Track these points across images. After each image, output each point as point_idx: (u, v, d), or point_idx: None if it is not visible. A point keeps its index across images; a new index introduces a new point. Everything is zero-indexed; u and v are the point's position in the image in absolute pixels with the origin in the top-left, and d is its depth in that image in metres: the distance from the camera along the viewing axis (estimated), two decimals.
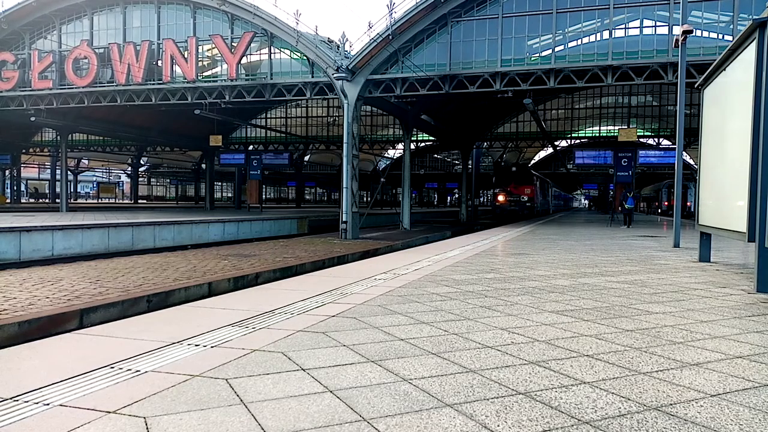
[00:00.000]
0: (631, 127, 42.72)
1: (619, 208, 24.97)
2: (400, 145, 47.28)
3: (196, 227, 20.58)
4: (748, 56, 6.20)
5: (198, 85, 24.48)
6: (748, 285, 6.39)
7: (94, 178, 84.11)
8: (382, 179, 34.38)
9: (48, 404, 2.48)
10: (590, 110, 47.40)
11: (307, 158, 63.27)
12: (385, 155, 63.16)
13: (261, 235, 23.57)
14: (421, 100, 26.72)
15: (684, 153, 21.94)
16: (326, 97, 24.29)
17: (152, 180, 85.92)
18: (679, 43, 12.70)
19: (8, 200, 49.56)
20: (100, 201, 72.67)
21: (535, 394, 2.65)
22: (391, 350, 3.44)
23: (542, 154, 62.73)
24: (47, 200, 59.18)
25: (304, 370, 3.01)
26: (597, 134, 48.60)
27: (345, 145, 21.18)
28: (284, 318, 4.40)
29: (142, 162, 62.87)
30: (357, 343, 3.59)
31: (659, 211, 50.33)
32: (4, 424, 2.26)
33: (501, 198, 35.93)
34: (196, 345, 3.54)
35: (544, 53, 20.38)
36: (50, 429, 2.21)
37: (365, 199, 47.04)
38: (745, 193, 5.90)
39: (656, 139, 46.01)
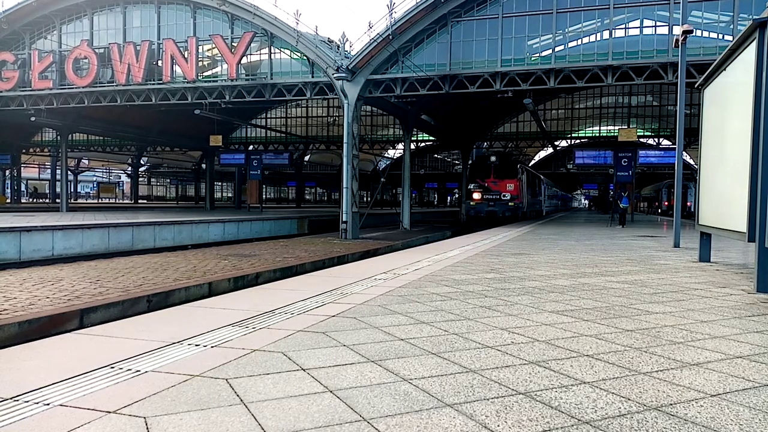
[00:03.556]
0: (631, 127, 42.72)
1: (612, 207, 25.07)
2: (400, 145, 47.29)
3: (196, 227, 20.58)
4: (748, 56, 6.20)
5: (198, 85, 24.48)
6: (748, 285, 6.39)
7: (94, 178, 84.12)
8: (382, 179, 34.27)
9: (48, 404, 2.48)
10: (590, 110, 47.41)
11: (307, 158, 63.27)
12: (385, 155, 63.14)
13: (261, 235, 23.57)
14: (421, 100, 26.71)
15: (684, 153, 21.95)
16: (326, 97, 24.30)
17: (152, 180, 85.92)
18: (679, 43, 12.70)
19: (8, 200, 49.55)
20: (100, 201, 72.68)
21: (535, 394, 2.65)
22: (391, 350, 3.44)
23: (542, 154, 62.74)
24: (47, 200, 59.18)
25: (304, 370, 3.01)
26: (597, 134, 48.61)
27: (345, 145, 21.19)
28: (284, 318, 4.40)
29: (142, 162, 62.87)
30: (357, 343, 3.59)
31: (659, 211, 50.32)
32: (4, 424, 2.26)
33: (476, 196, 27.79)
34: (197, 345, 3.54)
35: (544, 53, 20.38)
36: (50, 429, 2.21)
37: (365, 199, 47.06)
38: (745, 193, 5.90)
39: (656, 139, 46.01)
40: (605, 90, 43.17)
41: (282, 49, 23.56)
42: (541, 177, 41.84)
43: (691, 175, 31.21)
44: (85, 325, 6.30)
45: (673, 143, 32.63)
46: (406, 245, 17.74)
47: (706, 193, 8.56)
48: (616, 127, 44.03)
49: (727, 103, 7.55)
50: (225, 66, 24.10)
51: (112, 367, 3.04)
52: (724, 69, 7.50)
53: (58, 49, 26.42)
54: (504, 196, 27.18)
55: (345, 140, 21.15)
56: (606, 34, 19.62)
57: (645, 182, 59.53)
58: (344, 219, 20.81)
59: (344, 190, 21.18)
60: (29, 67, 26.68)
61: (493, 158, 28.49)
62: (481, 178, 27.96)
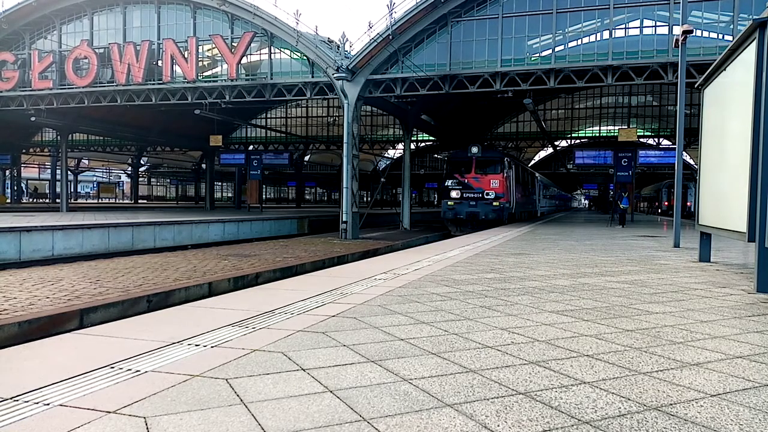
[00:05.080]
0: (631, 127, 42.75)
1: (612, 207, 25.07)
2: (400, 145, 47.30)
3: (196, 227, 20.58)
4: (748, 56, 6.20)
5: (198, 85, 24.49)
6: (748, 285, 6.39)
7: (95, 178, 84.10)
8: (382, 179, 34.27)
9: (48, 404, 2.48)
10: (590, 110, 47.44)
11: (307, 158, 63.26)
12: (385, 155, 63.13)
13: (261, 235, 23.57)
14: (421, 100, 26.73)
15: (684, 153, 21.96)
16: (326, 97, 24.31)
17: (152, 180, 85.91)
18: (679, 43, 12.69)
19: (8, 200, 49.55)
20: (100, 201, 72.63)
21: (535, 394, 2.65)
22: (391, 350, 3.44)
23: (542, 154, 62.76)
24: (47, 200, 59.18)
25: (304, 370, 3.01)
26: (597, 134, 48.64)
27: (345, 145, 21.20)
28: (284, 318, 4.40)
29: (142, 162, 62.88)
30: (357, 343, 3.59)
31: (659, 211, 50.32)
32: (4, 424, 2.26)
33: (454, 194, 23.63)
34: (197, 345, 3.54)
35: (544, 53, 20.39)
36: (50, 429, 2.21)
37: (365, 199, 47.07)
38: (745, 193, 5.90)
39: (656, 139, 46.03)
40: (605, 90, 43.21)
41: (282, 49, 23.57)
42: (536, 174, 38.49)
43: (691, 175, 31.19)
44: (85, 325, 6.30)
45: (673, 143, 32.63)
46: (406, 245, 17.75)
47: (706, 193, 8.56)
48: (616, 127, 44.06)
49: (726, 103, 7.55)
50: (225, 66, 24.11)
51: (112, 367, 3.04)
52: (724, 69, 7.49)
53: (58, 49, 26.42)
54: (488, 194, 23.11)
55: (345, 140, 21.16)
56: (606, 34, 19.63)
57: (645, 182, 59.54)
58: (344, 219, 20.82)
59: (344, 190, 21.18)
60: (29, 67, 26.68)
61: (474, 149, 23.79)
62: (461, 174, 23.84)
